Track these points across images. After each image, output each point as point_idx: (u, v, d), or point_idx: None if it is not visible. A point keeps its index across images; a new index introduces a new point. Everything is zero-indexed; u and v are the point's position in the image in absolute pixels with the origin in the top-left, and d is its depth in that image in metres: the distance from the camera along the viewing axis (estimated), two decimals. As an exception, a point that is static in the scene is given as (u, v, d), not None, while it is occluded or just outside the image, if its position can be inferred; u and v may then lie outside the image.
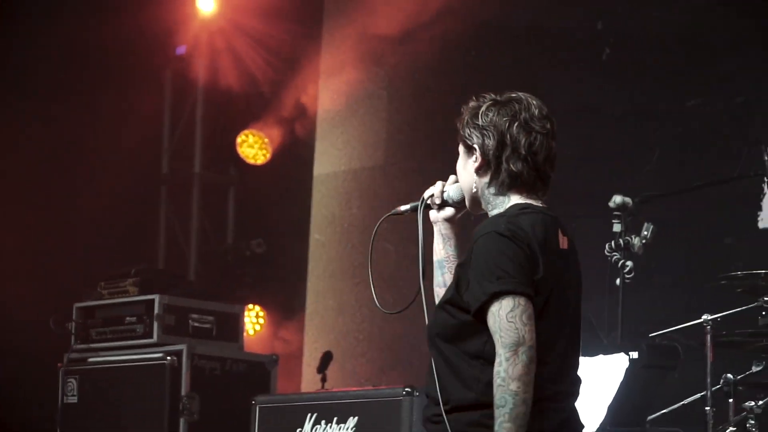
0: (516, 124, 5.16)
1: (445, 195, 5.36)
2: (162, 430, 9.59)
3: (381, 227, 5.31)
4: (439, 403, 5.06)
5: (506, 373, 4.84)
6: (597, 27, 11.02)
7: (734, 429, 8.09)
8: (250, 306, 11.23)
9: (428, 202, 5.38)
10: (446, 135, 10.94)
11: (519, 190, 5.16)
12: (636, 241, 8.45)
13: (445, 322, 5.06)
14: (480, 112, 5.21)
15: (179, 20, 12.22)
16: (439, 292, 5.32)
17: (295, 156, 11.85)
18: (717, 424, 8.10)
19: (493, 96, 5.25)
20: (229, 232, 12.29)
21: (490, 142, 5.16)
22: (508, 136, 5.14)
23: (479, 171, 5.19)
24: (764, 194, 9.79)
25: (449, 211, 5.37)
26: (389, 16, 11.65)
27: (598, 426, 8.46)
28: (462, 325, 5.03)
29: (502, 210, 5.14)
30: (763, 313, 8.30)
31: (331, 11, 12.27)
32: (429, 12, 11.48)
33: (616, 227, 8.50)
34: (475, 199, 5.24)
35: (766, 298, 8.25)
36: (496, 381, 4.86)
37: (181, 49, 12.37)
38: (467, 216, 5.34)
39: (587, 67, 11.02)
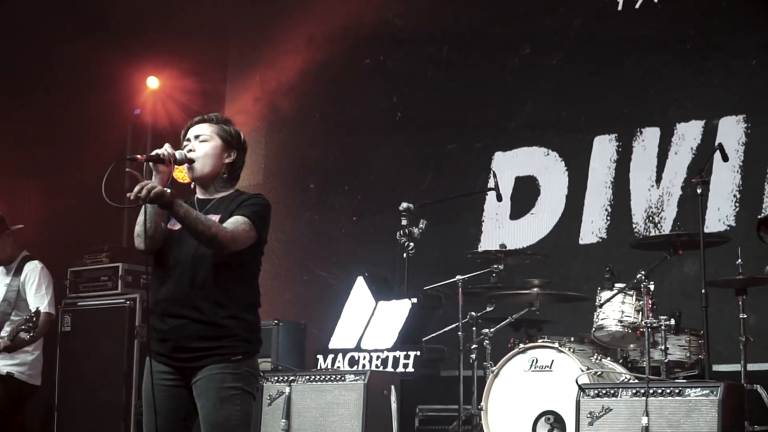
0: (247, 148, 5.12)
1: (179, 155, 4.86)
2: (123, 347, 9.50)
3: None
4: (227, 305, 4.77)
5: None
6: (393, 99, 10.94)
7: (476, 346, 8.04)
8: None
9: (163, 156, 4.81)
10: (300, 166, 10.92)
11: (235, 183, 5.04)
12: (415, 230, 8.43)
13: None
14: (240, 132, 5.09)
15: (136, 93, 12.06)
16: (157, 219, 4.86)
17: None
18: (465, 343, 8.06)
19: (230, 119, 5.14)
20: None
21: (242, 154, 5.05)
22: (245, 154, 5.08)
23: (228, 163, 4.98)
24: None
25: (173, 167, 4.85)
26: (265, 82, 11.57)
27: (392, 344, 8.47)
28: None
29: (230, 191, 4.99)
30: (493, 274, 8.24)
31: (232, 77, 12.07)
32: (288, 79, 11.40)
33: (404, 222, 8.47)
34: (214, 176, 4.97)
35: (494, 266, 8.23)
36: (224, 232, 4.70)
37: (137, 111, 12.15)
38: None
39: (386, 125, 10.92)
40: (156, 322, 4.80)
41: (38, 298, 7.79)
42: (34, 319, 7.34)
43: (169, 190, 4.60)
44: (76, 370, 9.81)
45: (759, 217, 8.15)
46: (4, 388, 7.68)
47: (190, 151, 4.95)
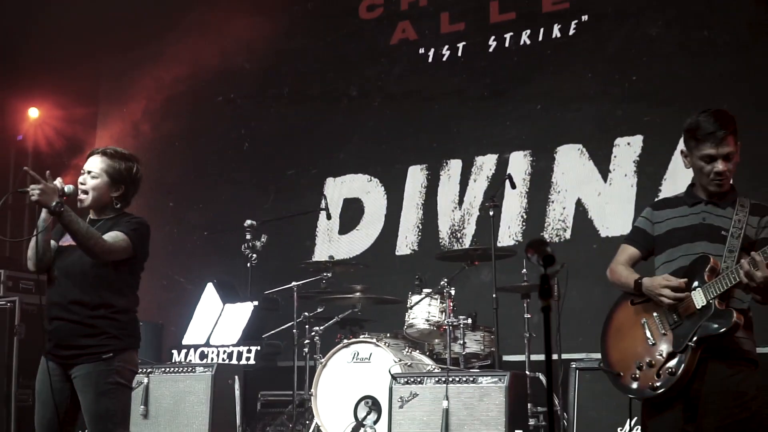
0: (140, 178, 5.03)
1: (67, 189, 4.73)
2: (4, 343, 9.23)
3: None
4: (98, 308, 4.73)
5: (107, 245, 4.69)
6: (242, 131, 10.96)
7: (308, 341, 8.02)
8: (55, 276, 10.93)
9: (65, 191, 4.71)
10: (161, 187, 10.76)
11: (126, 207, 4.98)
12: (258, 244, 8.46)
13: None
14: (132, 167, 4.97)
15: (19, 121, 12.03)
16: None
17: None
18: (299, 338, 8.10)
19: (126, 154, 5.00)
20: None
21: (133, 185, 4.98)
22: (136, 185, 5.01)
23: (116, 196, 4.91)
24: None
25: (64, 199, 4.66)
26: (131, 113, 11.47)
27: (236, 340, 8.55)
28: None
29: (118, 213, 4.93)
30: (324, 281, 8.28)
31: (103, 109, 11.95)
32: (151, 111, 11.34)
33: (248, 236, 8.47)
34: (102, 207, 4.91)
35: (324, 274, 8.30)
36: (105, 242, 4.68)
37: (20, 137, 12.12)
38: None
39: (236, 153, 10.95)
40: (46, 324, 4.82)
41: None
42: None
43: (56, 201, 4.59)
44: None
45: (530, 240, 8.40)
46: None
47: (82, 184, 4.94)
